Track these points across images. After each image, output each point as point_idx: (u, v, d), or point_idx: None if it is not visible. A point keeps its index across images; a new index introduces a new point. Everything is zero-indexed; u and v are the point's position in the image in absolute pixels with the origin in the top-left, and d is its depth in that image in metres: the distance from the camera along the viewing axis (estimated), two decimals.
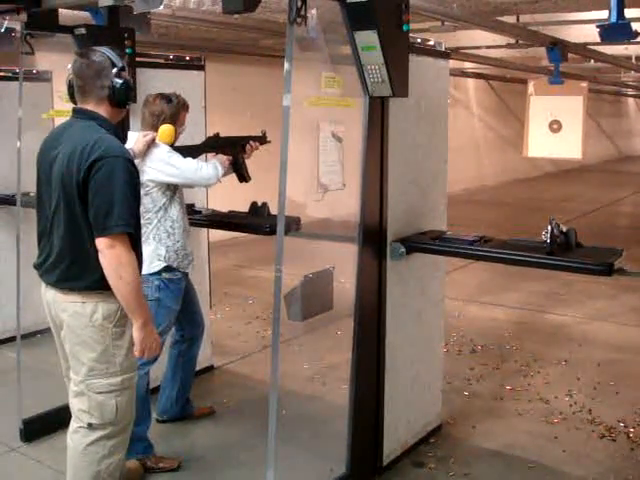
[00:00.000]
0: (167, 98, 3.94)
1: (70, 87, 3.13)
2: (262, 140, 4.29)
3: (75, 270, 2.98)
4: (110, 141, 2.95)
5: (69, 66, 3.08)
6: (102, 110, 3.04)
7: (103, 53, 3.03)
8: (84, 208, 2.89)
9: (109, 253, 2.85)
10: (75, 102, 3.12)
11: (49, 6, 4.19)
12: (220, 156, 4.11)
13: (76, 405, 3.08)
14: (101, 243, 2.86)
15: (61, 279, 3.01)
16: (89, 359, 2.99)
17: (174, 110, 3.95)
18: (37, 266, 3.15)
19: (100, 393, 3.01)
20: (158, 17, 5.90)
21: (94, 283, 2.95)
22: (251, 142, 4.21)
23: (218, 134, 4.19)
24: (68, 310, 3.00)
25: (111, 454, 3.08)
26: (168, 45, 8.03)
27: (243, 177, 4.26)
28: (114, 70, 3.01)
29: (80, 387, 3.04)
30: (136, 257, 2.95)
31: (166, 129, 3.89)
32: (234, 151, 4.18)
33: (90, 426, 3.03)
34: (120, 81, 3.01)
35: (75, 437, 3.09)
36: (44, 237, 3.09)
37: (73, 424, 3.12)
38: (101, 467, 3.06)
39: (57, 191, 2.94)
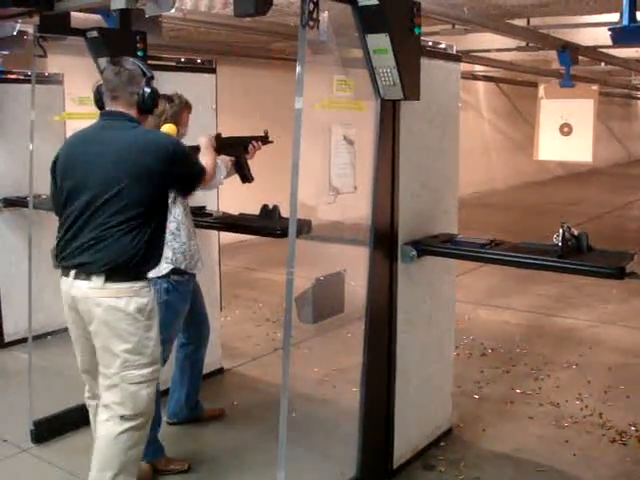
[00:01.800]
0: (169, 98, 3.95)
1: (97, 94, 3.33)
2: (264, 140, 4.28)
3: (110, 265, 3.10)
4: (161, 132, 3.51)
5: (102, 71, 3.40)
6: (132, 114, 3.26)
7: (134, 62, 3.28)
8: (154, 192, 3.19)
9: (205, 183, 3.55)
10: (100, 108, 3.33)
11: (62, 9, 4.21)
12: (223, 157, 4.10)
13: (108, 398, 3.21)
14: (200, 187, 3.53)
15: (94, 273, 3.11)
16: (123, 351, 3.15)
17: (176, 109, 3.96)
18: (63, 259, 3.22)
19: (133, 384, 3.18)
20: (169, 20, 5.92)
21: (128, 277, 3.14)
22: (253, 142, 4.21)
23: (220, 134, 4.19)
24: (102, 304, 3.11)
25: (135, 445, 3.25)
26: (179, 48, 8.05)
27: (246, 177, 4.25)
28: (144, 79, 3.24)
29: (114, 379, 3.17)
30: (157, 253, 3.29)
31: (168, 129, 3.89)
32: (237, 151, 4.18)
33: (122, 417, 3.18)
34: (149, 90, 3.26)
35: (107, 424, 3.22)
36: (70, 232, 3.18)
37: (102, 415, 3.23)
38: (127, 457, 3.21)
39: (100, 186, 3.10)
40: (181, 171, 3.30)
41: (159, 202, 3.26)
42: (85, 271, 3.13)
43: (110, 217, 3.09)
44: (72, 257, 3.17)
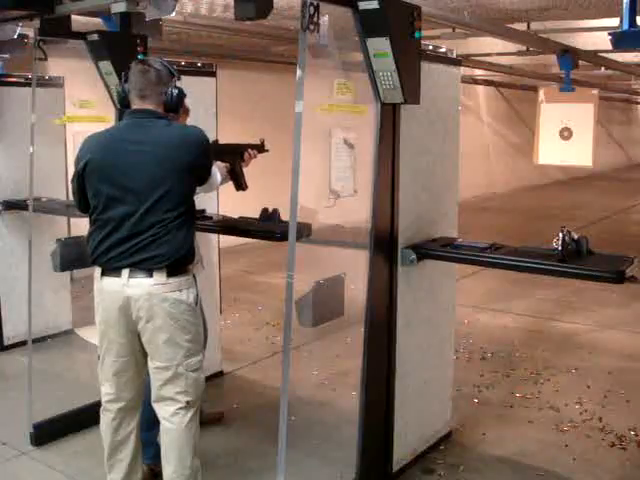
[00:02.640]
0: None
1: (122, 92, 3.38)
2: (260, 149, 4.27)
3: (171, 259, 3.20)
4: (191, 126, 3.53)
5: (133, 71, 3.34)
6: (160, 112, 3.33)
7: (162, 62, 3.37)
8: (195, 186, 3.33)
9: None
10: (124, 107, 3.40)
11: (62, 12, 4.21)
12: (218, 163, 4.09)
13: (171, 390, 3.31)
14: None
15: (155, 269, 3.19)
16: (186, 340, 3.29)
17: None
18: (110, 259, 3.22)
19: (195, 370, 3.35)
20: (170, 23, 5.93)
21: (183, 271, 3.27)
22: (249, 150, 4.20)
23: (217, 141, 4.19)
24: (169, 299, 3.22)
25: (197, 428, 3.41)
26: (180, 51, 8.07)
27: (240, 185, 4.22)
28: (173, 78, 3.36)
29: (179, 370, 3.29)
30: (192, 243, 3.33)
31: None
32: (232, 159, 4.17)
33: (188, 404, 3.33)
34: (176, 90, 3.34)
35: (175, 419, 3.33)
36: (118, 233, 3.19)
37: (168, 409, 3.33)
38: (195, 441, 3.38)
39: (149, 185, 3.16)
40: (209, 162, 3.44)
41: (193, 195, 3.38)
42: (145, 267, 3.18)
43: (165, 214, 3.17)
44: (126, 257, 3.19)
